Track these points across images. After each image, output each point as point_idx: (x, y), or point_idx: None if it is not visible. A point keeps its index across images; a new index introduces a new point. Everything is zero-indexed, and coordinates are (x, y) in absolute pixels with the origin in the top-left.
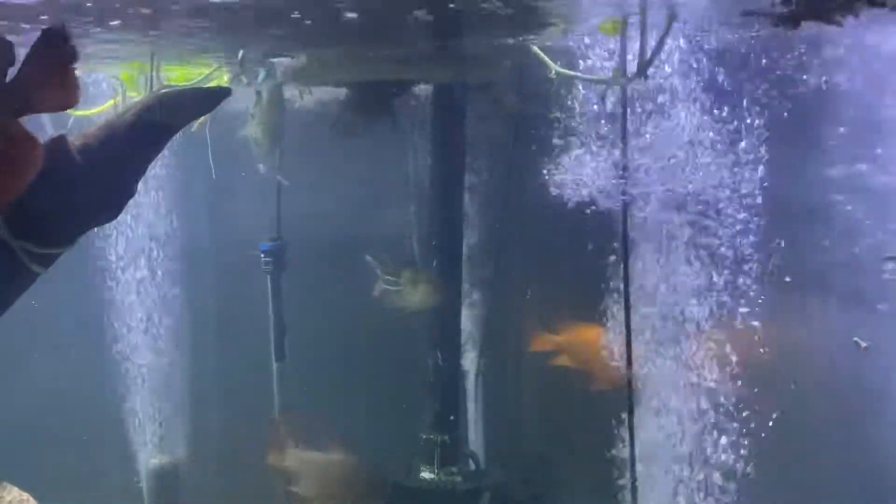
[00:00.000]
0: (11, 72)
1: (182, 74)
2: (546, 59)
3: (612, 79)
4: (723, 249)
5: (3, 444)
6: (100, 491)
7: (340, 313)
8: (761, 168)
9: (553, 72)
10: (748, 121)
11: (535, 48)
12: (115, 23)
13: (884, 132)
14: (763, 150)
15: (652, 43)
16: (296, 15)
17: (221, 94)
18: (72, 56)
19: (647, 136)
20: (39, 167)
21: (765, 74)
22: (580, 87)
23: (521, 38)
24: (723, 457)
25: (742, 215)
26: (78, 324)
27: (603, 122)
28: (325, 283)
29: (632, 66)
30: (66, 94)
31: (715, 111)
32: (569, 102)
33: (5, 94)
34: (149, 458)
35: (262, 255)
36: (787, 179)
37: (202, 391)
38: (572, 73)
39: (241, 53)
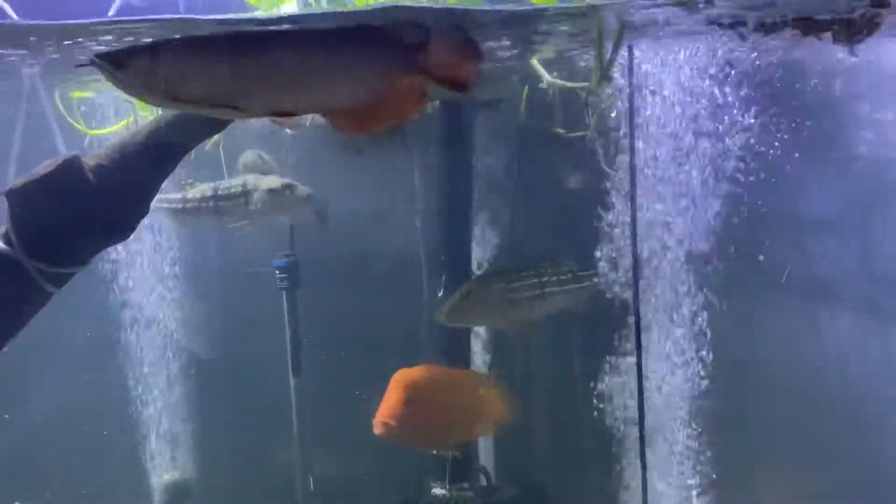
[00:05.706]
0: None
1: None
2: (540, 68)
3: (592, 84)
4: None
5: (12, 462)
6: None
7: (347, 327)
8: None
9: (544, 81)
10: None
11: (534, 60)
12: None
13: None
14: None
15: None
16: None
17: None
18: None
19: (653, 148)
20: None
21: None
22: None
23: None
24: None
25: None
26: (89, 339)
27: (611, 134)
28: (332, 298)
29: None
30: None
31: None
32: (576, 116)
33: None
34: (161, 475)
35: (277, 272)
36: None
37: (214, 407)
38: (561, 82)
39: None
